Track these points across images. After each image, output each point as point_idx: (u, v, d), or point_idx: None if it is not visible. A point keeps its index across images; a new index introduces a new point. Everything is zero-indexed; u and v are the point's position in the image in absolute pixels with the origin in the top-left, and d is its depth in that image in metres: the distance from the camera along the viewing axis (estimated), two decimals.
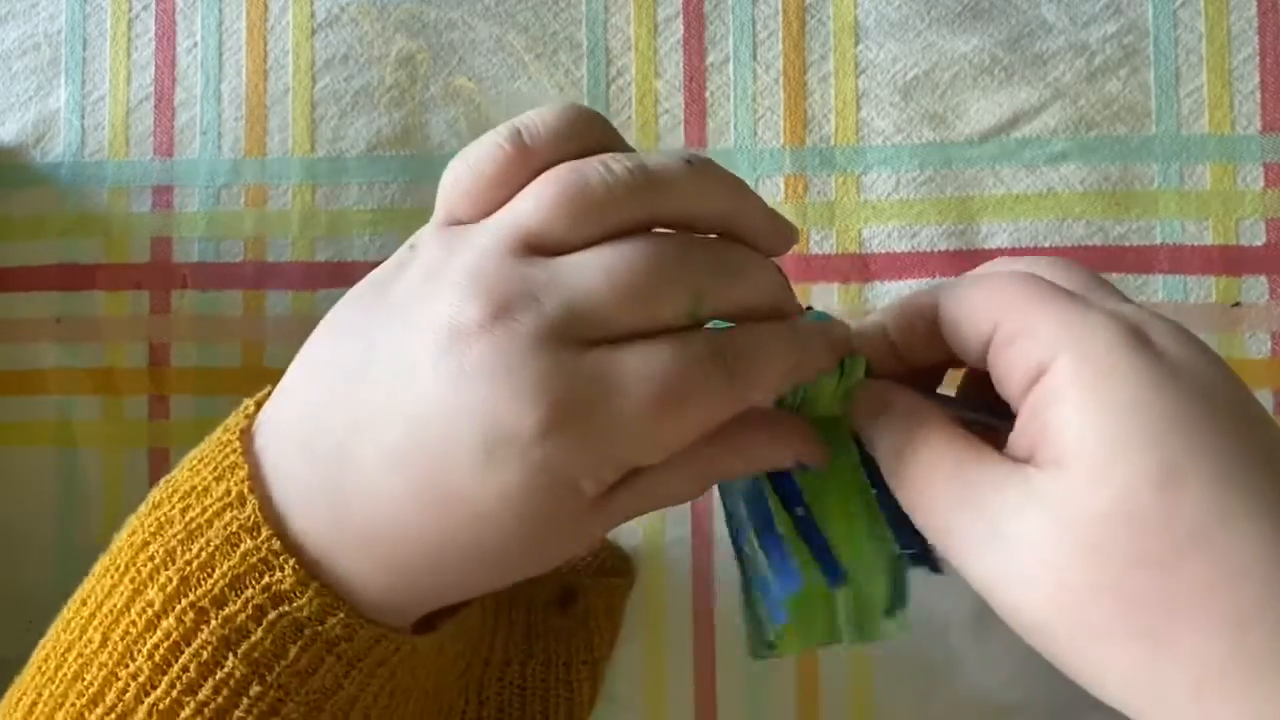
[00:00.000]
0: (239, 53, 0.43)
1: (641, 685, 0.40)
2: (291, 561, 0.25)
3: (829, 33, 0.42)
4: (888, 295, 0.41)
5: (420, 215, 0.41)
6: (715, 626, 0.40)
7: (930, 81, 0.41)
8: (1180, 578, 0.21)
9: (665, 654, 0.40)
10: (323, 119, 0.43)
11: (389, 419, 0.24)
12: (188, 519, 0.26)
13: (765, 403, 0.28)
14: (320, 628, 0.25)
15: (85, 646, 0.26)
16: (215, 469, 0.26)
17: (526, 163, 0.25)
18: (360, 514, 0.25)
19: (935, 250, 0.41)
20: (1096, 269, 0.40)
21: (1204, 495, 0.21)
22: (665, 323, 0.25)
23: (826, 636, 0.28)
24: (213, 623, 0.25)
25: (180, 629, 0.25)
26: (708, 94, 0.42)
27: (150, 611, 0.25)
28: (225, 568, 0.25)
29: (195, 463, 0.27)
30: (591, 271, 0.24)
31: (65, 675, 0.26)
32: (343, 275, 0.42)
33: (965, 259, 0.40)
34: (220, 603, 0.25)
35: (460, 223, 0.26)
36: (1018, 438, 0.24)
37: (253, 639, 0.25)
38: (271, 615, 0.25)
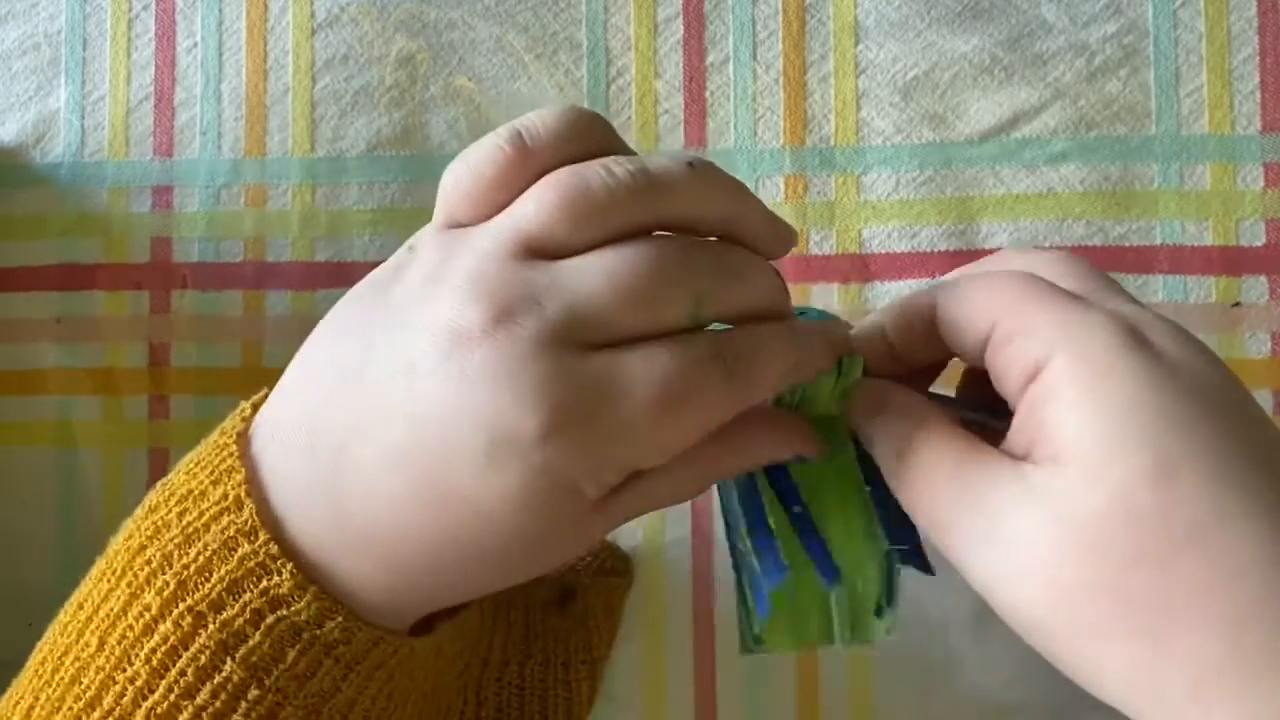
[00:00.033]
0: (239, 53, 0.43)
1: (641, 685, 0.40)
2: (289, 565, 0.25)
3: (829, 33, 0.42)
4: (888, 295, 0.41)
5: (420, 215, 0.42)
6: (715, 626, 0.40)
7: (930, 81, 0.41)
8: (1177, 576, 0.21)
9: (665, 654, 0.40)
10: (323, 119, 0.43)
11: (389, 420, 0.24)
12: (185, 523, 0.26)
13: (764, 402, 0.28)
14: (319, 631, 0.25)
15: (82, 650, 0.26)
16: (212, 472, 0.26)
17: (527, 164, 0.25)
18: (359, 513, 0.25)
19: (935, 250, 0.41)
20: None
21: (1201, 493, 0.21)
22: (667, 325, 0.25)
23: (820, 636, 0.28)
24: (210, 627, 0.25)
25: (178, 633, 0.25)
26: (708, 94, 0.42)
27: (148, 616, 0.25)
28: (223, 572, 0.25)
29: (192, 466, 0.27)
30: (593, 275, 0.24)
31: (62, 679, 0.26)
32: (343, 275, 0.42)
33: (965, 259, 0.40)
34: (218, 607, 0.25)
35: (460, 225, 0.26)
36: (1015, 435, 0.24)
37: (250, 643, 0.25)
38: (270, 619, 0.25)
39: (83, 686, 0.25)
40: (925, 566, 0.28)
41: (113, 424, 0.42)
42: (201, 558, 0.25)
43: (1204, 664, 0.21)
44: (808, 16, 0.42)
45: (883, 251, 0.41)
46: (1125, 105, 0.41)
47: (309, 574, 0.25)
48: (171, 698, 0.24)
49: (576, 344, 0.24)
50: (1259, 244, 0.40)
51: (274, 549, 0.25)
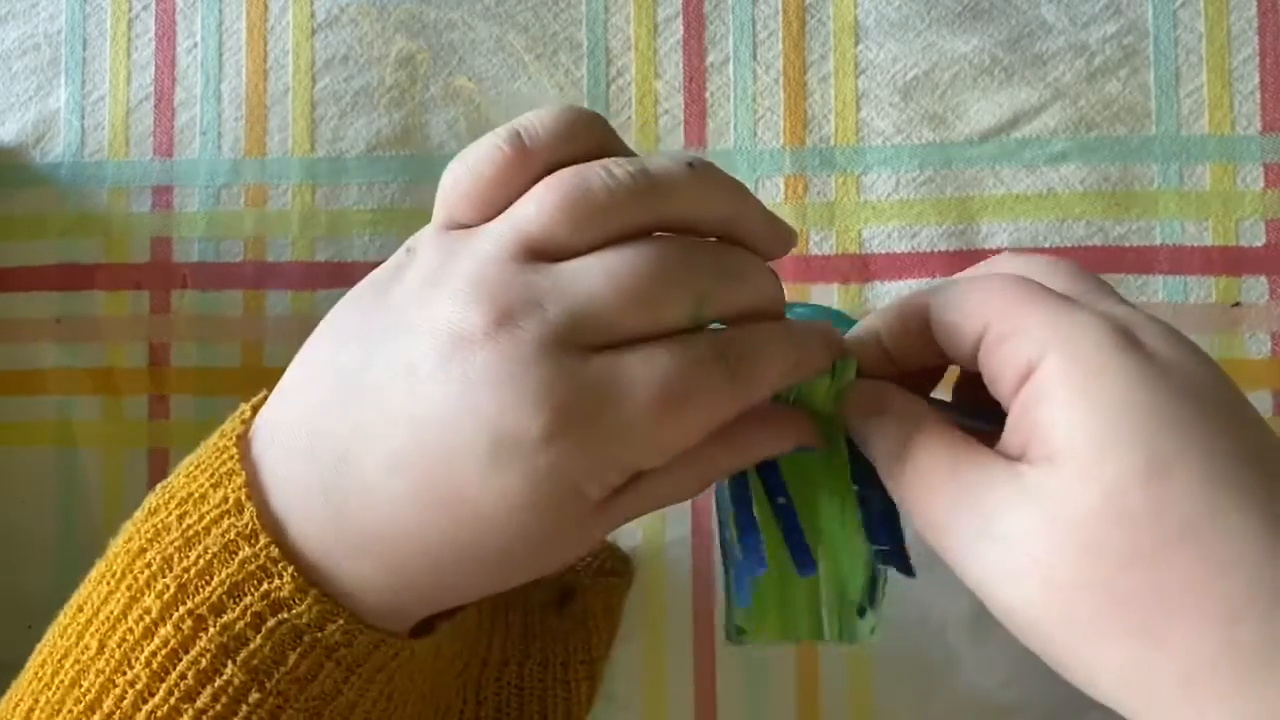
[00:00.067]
0: (239, 53, 0.43)
1: (641, 685, 0.40)
2: (290, 569, 0.25)
3: (829, 33, 0.42)
4: (888, 295, 0.41)
5: (420, 215, 0.42)
6: (715, 626, 0.40)
7: (930, 81, 0.41)
8: (1171, 573, 0.21)
9: (665, 654, 0.40)
10: (323, 119, 0.43)
11: (390, 422, 0.24)
12: (185, 526, 0.26)
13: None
14: (320, 634, 0.25)
15: (82, 653, 0.26)
16: (212, 475, 0.26)
17: (526, 164, 0.25)
18: (360, 515, 0.25)
19: (935, 250, 0.41)
20: (1096, 269, 0.40)
21: (1193, 491, 0.21)
22: (668, 326, 0.25)
23: (809, 633, 0.29)
24: (211, 630, 0.25)
25: (178, 636, 0.25)
26: (708, 94, 0.42)
27: (148, 619, 0.25)
28: (223, 575, 0.25)
29: (192, 469, 0.27)
30: (594, 277, 0.24)
31: (62, 681, 0.26)
32: (343, 275, 0.42)
33: (965, 259, 0.40)
34: (218, 610, 0.25)
35: (460, 226, 0.26)
36: (1010, 436, 0.24)
37: (251, 646, 0.25)
38: (270, 622, 0.25)
39: (83, 689, 0.25)
40: (907, 569, 0.28)
41: (113, 424, 0.42)
42: (202, 561, 0.25)
43: (1198, 659, 0.21)
44: (808, 16, 0.42)
45: (883, 252, 0.41)
46: (1125, 105, 0.41)
47: (309, 576, 0.25)
48: (172, 701, 0.24)
49: (578, 346, 0.24)
50: (1259, 244, 0.40)
51: (275, 552, 0.25)
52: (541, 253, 0.24)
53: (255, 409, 0.28)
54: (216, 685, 0.24)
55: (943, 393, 0.30)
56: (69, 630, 0.26)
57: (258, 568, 0.25)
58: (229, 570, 0.25)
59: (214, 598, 0.25)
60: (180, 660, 0.25)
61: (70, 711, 0.25)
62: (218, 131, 0.43)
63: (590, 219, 0.24)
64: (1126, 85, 0.41)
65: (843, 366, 0.28)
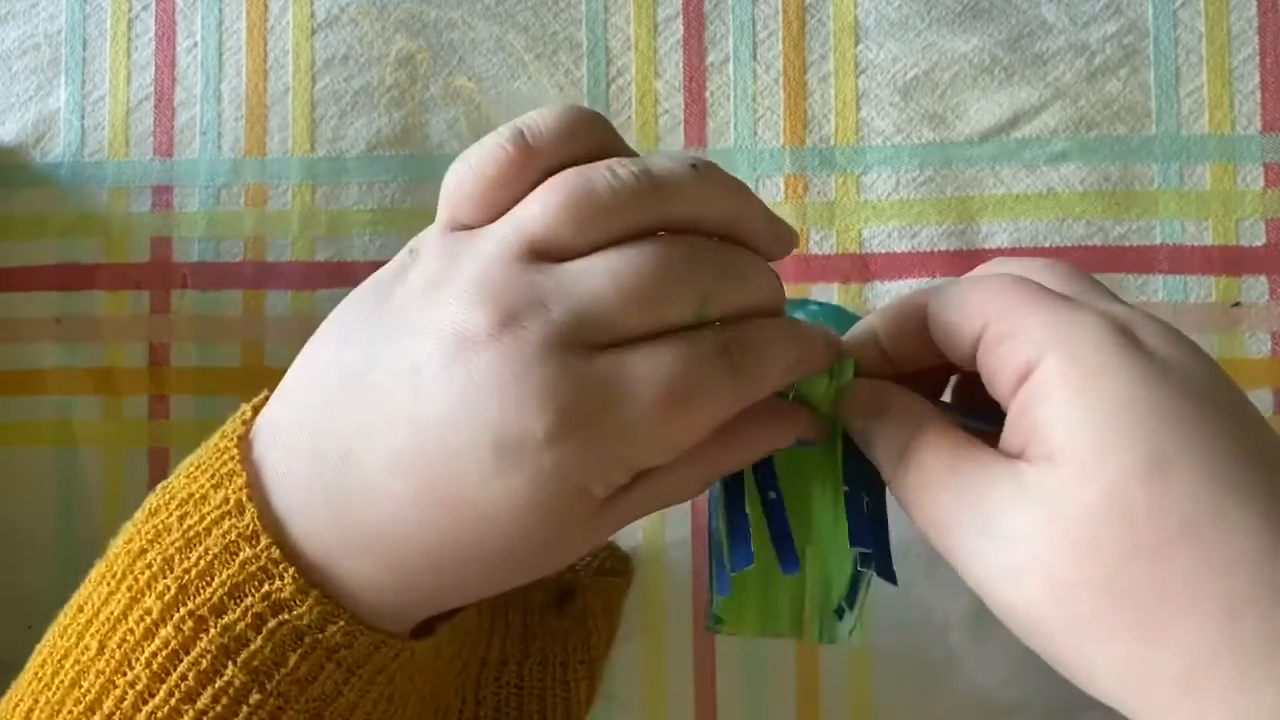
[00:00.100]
0: (239, 53, 0.43)
1: (641, 685, 0.40)
2: (291, 570, 0.25)
3: (829, 33, 0.42)
4: (888, 295, 0.41)
5: (420, 215, 0.42)
6: None
7: (930, 81, 0.41)
8: (1171, 570, 0.21)
9: (665, 654, 0.40)
10: (323, 119, 0.43)
11: (393, 422, 0.24)
12: (185, 527, 0.26)
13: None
14: (320, 635, 0.25)
15: (82, 653, 0.26)
16: (213, 476, 0.26)
17: (529, 163, 0.25)
18: (361, 515, 0.25)
19: (935, 250, 0.41)
20: (1096, 269, 0.40)
21: (1194, 489, 0.21)
22: (671, 325, 0.25)
23: (790, 628, 0.29)
24: (211, 631, 0.25)
25: (179, 637, 0.25)
26: (708, 94, 0.42)
27: (148, 620, 0.25)
28: (224, 576, 0.25)
29: (192, 469, 0.27)
30: (599, 277, 0.24)
31: (62, 682, 0.26)
32: (343, 275, 0.42)
33: (965, 259, 0.40)
34: (219, 611, 0.25)
35: (463, 226, 0.26)
36: (1009, 435, 0.24)
37: (252, 647, 0.25)
38: (271, 623, 0.25)
39: (83, 690, 0.25)
40: (889, 574, 0.28)
41: (113, 424, 0.42)
42: (203, 562, 0.25)
43: (1197, 656, 0.21)
44: (808, 16, 0.42)
45: (883, 251, 0.41)
46: (1125, 105, 0.41)
47: (310, 577, 0.25)
48: (172, 702, 0.24)
49: (582, 346, 0.24)
50: (1259, 244, 0.40)
51: (276, 553, 0.25)
52: (545, 253, 0.24)
53: (256, 409, 0.28)
54: (217, 686, 0.24)
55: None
56: (69, 631, 0.26)
57: (259, 569, 0.25)
58: (230, 571, 0.25)
59: (215, 599, 0.25)
60: (181, 661, 0.25)
61: (70, 712, 0.25)
62: (218, 131, 0.43)
63: (594, 219, 0.24)
64: (1127, 85, 0.41)
65: (840, 367, 0.28)
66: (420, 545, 0.25)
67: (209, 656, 0.25)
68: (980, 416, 0.27)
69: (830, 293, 0.41)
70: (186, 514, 0.26)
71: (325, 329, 0.27)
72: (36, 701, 0.26)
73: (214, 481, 0.26)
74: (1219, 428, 0.22)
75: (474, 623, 0.34)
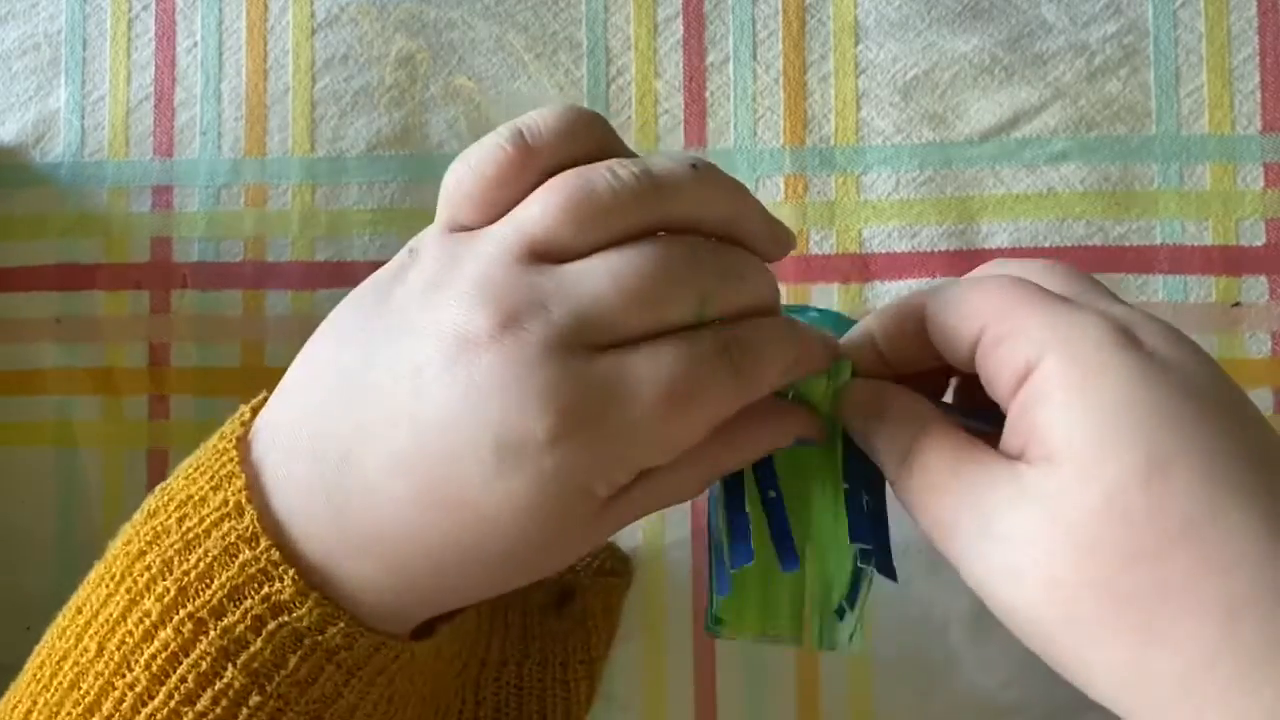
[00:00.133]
0: (239, 53, 0.43)
1: (641, 685, 0.40)
2: (291, 572, 0.25)
3: (829, 33, 0.42)
4: (888, 295, 0.41)
5: (420, 215, 0.42)
6: None
7: (930, 81, 0.41)
8: (1171, 571, 0.21)
9: (665, 654, 0.40)
10: (323, 119, 0.43)
11: (393, 423, 0.24)
12: (185, 529, 0.26)
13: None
14: (320, 637, 0.25)
15: (81, 655, 0.26)
16: (212, 478, 0.26)
17: (528, 163, 0.25)
18: (361, 516, 0.25)
19: (935, 250, 0.41)
20: (1096, 269, 0.40)
21: (1194, 490, 0.21)
22: (671, 325, 0.25)
23: (790, 631, 0.29)
24: (211, 633, 0.25)
25: (178, 640, 0.25)
26: (708, 94, 0.42)
27: (148, 622, 0.25)
28: (224, 578, 0.25)
29: (191, 471, 0.27)
30: (599, 278, 0.24)
31: (61, 683, 0.26)
32: (343, 275, 0.42)
33: (965, 259, 0.40)
34: (219, 613, 0.25)
35: (463, 227, 0.26)
36: (1009, 436, 0.24)
37: (252, 649, 0.25)
38: (271, 625, 0.25)
39: (81, 692, 0.25)
40: (890, 571, 0.28)
41: (113, 424, 0.42)
42: (202, 564, 0.25)
43: (1196, 656, 0.21)
44: (808, 16, 0.42)
45: (883, 251, 0.41)
46: (1125, 105, 0.41)
47: (310, 579, 0.25)
48: (172, 704, 0.24)
49: (583, 346, 0.24)
50: (1259, 244, 0.40)
51: (275, 555, 0.25)
52: (545, 254, 0.24)
53: (255, 411, 0.28)
54: (217, 688, 0.24)
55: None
56: (68, 632, 0.26)
57: (258, 571, 0.25)
58: (229, 573, 0.25)
59: (214, 601, 0.25)
60: (180, 663, 0.25)
61: (69, 714, 0.25)
62: (218, 131, 0.43)
63: (594, 220, 0.24)
64: (1127, 85, 0.41)
65: (838, 368, 0.28)
66: (421, 547, 0.25)
67: (208, 659, 0.24)
68: (981, 417, 0.27)
69: (830, 293, 0.41)
70: (186, 516, 0.26)
71: (324, 329, 0.27)
72: (35, 703, 0.26)
73: (213, 483, 0.26)
74: (1219, 428, 0.22)
75: (474, 623, 0.34)
